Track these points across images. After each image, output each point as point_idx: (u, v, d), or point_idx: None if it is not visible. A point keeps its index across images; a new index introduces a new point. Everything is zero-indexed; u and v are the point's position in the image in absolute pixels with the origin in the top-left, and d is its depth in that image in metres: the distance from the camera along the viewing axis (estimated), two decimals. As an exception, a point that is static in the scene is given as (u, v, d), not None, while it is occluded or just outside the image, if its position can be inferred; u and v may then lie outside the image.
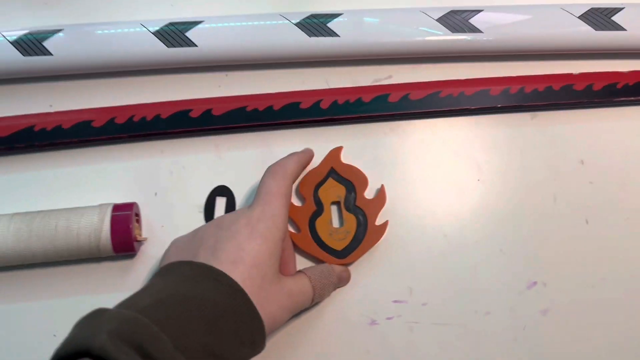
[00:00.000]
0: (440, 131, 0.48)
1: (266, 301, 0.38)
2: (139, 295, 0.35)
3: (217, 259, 0.37)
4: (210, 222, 0.42)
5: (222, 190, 0.47)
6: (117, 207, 0.44)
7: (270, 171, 0.43)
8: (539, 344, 0.45)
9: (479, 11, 0.48)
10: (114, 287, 0.45)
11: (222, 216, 0.42)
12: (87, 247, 0.43)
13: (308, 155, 0.46)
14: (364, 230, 0.45)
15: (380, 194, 0.46)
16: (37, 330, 0.44)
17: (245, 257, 0.37)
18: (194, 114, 0.47)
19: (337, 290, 0.45)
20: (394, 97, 0.48)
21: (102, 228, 0.43)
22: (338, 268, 0.44)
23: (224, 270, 0.36)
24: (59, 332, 0.44)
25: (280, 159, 0.44)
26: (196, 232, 0.42)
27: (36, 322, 0.45)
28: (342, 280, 0.45)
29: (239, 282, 0.36)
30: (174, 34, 0.47)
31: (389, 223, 0.45)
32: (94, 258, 0.45)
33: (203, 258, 0.38)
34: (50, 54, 0.46)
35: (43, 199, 0.46)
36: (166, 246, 0.45)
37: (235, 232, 0.39)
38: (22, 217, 0.44)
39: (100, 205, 0.44)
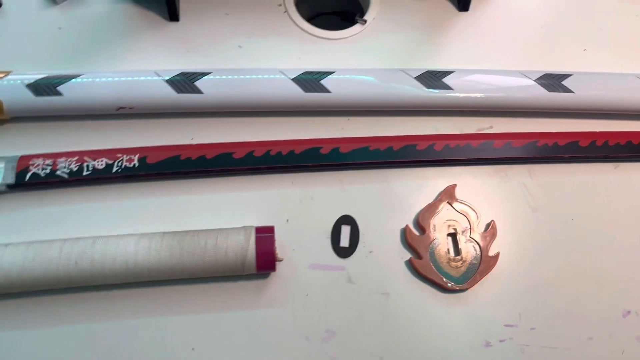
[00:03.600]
0: (537, 175, 0.55)
1: None
2: None
3: None
4: None
5: (346, 219, 0.52)
6: (259, 230, 0.49)
7: None
8: (638, 368, 0.49)
9: (569, 75, 0.56)
10: (250, 304, 0.49)
11: None
12: (233, 264, 0.47)
13: None
14: (478, 259, 0.50)
15: (492, 227, 0.52)
16: (177, 343, 0.47)
17: None
18: (323, 151, 0.53)
19: (455, 313, 0.49)
20: (498, 144, 0.54)
21: (248, 247, 0.48)
22: None
23: None
24: (197, 346, 0.47)
25: None
26: None
27: (177, 335, 0.48)
28: None
29: None
30: (310, 81, 0.53)
31: (500, 254, 0.51)
32: (230, 277, 0.49)
33: None
34: (201, 92, 0.52)
35: (188, 221, 0.50)
36: (298, 268, 0.50)
37: None
38: (173, 236, 0.48)
39: (244, 227, 0.49)
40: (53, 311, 0.47)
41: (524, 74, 0.56)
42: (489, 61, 0.59)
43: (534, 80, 0.55)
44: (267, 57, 0.57)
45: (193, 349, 0.47)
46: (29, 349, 0.46)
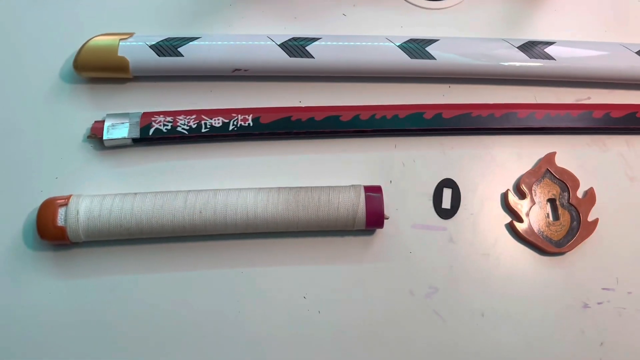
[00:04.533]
0: (636, 145, 0.56)
1: None
2: None
3: None
4: None
5: (448, 183, 0.54)
6: (367, 189, 0.51)
7: None
8: None
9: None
10: (357, 258, 0.51)
11: None
12: (344, 220, 0.50)
13: None
14: (577, 225, 0.52)
15: (590, 194, 0.53)
16: (290, 291, 0.50)
17: None
18: (426, 116, 0.55)
19: (553, 275, 0.51)
20: (597, 114, 0.55)
21: (358, 204, 0.50)
22: None
23: None
24: (308, 294, 0.50)
25: None
26: None
27: (289, 284, 0.50)
28: None
29: None
30: (416, 48, 0.55)
31: (599, 221, 0.52)
32: (338, 232, 0.52)
33: None
34: (312, 57, 0.54)
35: (298, 179, 0.53)
36: (401, 227, 0.52)
37: None
38: (289, 191, 0.51)
39: (353, 186, 0.51)
40: (173, 257, 0.51)
41: (624, 46, 0.56)
42: (589, 32, 0.60)
43: (635, 53, 0.56)
44: (370, 26, 0.59)
45: (304, 297, 0.50)
46: (149, 291, 0.50)
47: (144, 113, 0.54)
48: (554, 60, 0.55)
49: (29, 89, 0.56)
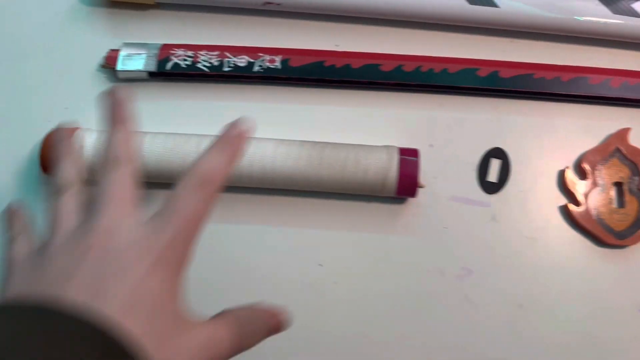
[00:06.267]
0: None
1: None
2: None
3: (103, 304, 0.25)
4: (77, 242, 0.28)
5: (497, 152, 0.47)
6: (403, 151, 0.45)
7: (196, 180, 0.31)
8: None
9: None
10: (383, 228, 0.45)
11: (103, 231, 0.28)
12: (372, 183, 0.44)
13: (238, 151, 0.33)
14: (646, 215, 0.45)
15: (667, 181, 0.45)
16: (305, 257, 0.45)
17: (142, 304, 0.27)
18: (481, 73, 0.47)
19: (610, 270, 0.44)
20: (687, 88, 0.47)
21: (390, 167, 0.44)
22: (272, 311, 0.33)
23: (113, 321, 0.25)
24: (325, 262, 0.45)
25: (211, 159, 0.31)
26: (54, 253, 0.28)
27: (305, 249, 0.45)
28: (272, 329, 0.33)
29: (136, 337, 0.25)
30: (476, -8, 0.47)
31: (673, 212, 0.45)
32: (365, 197, 0.46)
33: (77, 299, 0.25)
34: (354, -5, 0.48)
35: (327, 132, 0.46)
36: (438, 198, 0.46)
37: (127, 267, 0.27)
38: (313, 145, 0.45)
39: (387, 146, 0.45)
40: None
41: None
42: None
43: None
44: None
45: (321, 265, 0.45)
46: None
47: (163, 45, 0.48)
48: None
49: (45, 8, 0.51)
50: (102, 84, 0.49)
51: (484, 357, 0.43)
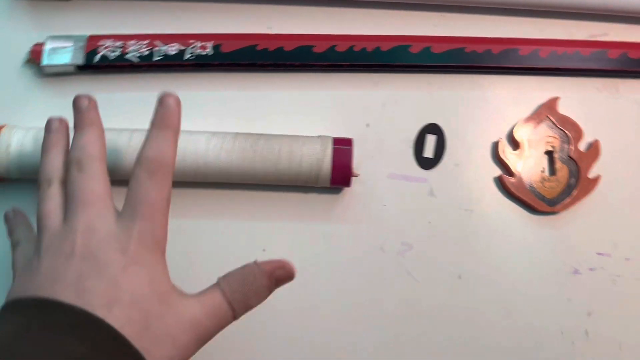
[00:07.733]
0: (654, 92, 0.49)
1: (156, 344, 0.29)
2: None
3: (85, 302, 0.29)
4: (60, 244, 0.31)
5: (433, 128, 0.48)
6: (337, 141, 0.44)
7: (146, 169, 0.33)
8: None
9: None
10: (319, 217, 0.46)
11: (81, 232, 0.31)
12: (306, 175, 0.44)
13: (176, 126, 0.35)
14: (576, 181, 0.46)
15: (594, 147, 0.46)
16: (248, 244, 0.45)
17: (122, 296, 0.29)
18: (413, 50, 0.47)
19: (543, 237, 0.46)
20: (612, 54, 0.48)
21: (324, 159, 0.44)
22: (269, 265, 0.34)
23: (96, 316, 0.28)
24: (268, 247, 0.45)
25: (153, 145, 0.33)
26: (43, 255, 0.31)
27: (247, 237, 0.45)
28: (280, 279, 0.34)
29: (117, 329, 0.28)
30: (405, -33, 0.47)
31: (601, 178, 0.46)
32: (299, 187, 0.46)
33: (64, 299, 0.29)
34: (282, -25, 0.47)
35: (262, 116, 0.47)
36: (376, 176, 0.47)
37: (105, 264, 0.30)
38: (246, 138, 0.44)
39: (321, 137, 0.45)
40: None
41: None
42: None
43: (666, -19, 0.47)
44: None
45: (264, 250, 0.45)
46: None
47: (90, 36, 0.47)
48: (567, -12, 0.47)
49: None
50: (28, 80, 0.47)
51: (428, 329, 0.44)
